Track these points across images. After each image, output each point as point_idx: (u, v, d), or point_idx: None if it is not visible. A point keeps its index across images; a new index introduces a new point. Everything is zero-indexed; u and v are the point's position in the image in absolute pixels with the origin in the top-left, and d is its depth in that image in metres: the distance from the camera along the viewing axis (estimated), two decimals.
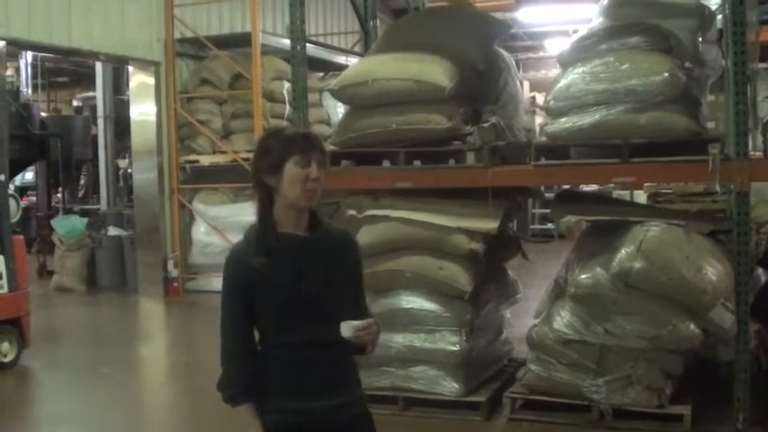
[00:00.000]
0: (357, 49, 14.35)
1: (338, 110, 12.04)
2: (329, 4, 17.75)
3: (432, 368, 6.13)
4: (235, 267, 2.96)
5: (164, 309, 12.16)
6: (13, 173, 12.64)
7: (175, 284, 12.50)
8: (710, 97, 7.37)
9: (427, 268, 6.13)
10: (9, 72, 14.88)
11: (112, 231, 13.57)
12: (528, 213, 17.42)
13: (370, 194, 6.62)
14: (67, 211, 16.33)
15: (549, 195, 8.66)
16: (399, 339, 6.12)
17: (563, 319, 5.72)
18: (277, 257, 2.90)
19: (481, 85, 6.54)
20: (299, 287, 2.90)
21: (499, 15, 8.67)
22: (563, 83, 5.97)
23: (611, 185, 9.45)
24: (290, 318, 2.93)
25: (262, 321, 2.97)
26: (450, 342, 6.07)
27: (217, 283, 3.14)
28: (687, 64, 5.76)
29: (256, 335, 3.01)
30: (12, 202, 8.64)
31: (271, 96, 12.73)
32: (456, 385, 6.08)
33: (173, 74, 12.74)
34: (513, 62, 7.31)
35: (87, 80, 18.49)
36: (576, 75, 5.91)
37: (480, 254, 6.06)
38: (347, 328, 2.85)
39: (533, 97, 18.24)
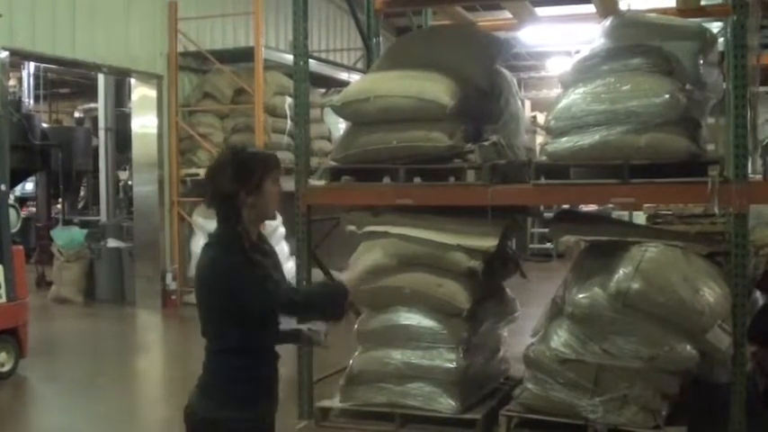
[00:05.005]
0: (360, 65, 14.36)
1: (340, 126, 12.04)
2: (332, 21, 17.83)
3: (428, 385, 6.11)
4: (241, 267, 3.19)
5: (161, 321, 12.16)
6: (13, 183, 12.64)
7: (173, 297, 12.51)
8: (711, 120, 7.40)
9: (426, 285, 6.14)
10: (11, 82, 14.95)
11: (112, 243, 13.58)
12: (527, 232, 17.44)
13: (370, 211, 6.63)
14: (67, 222, 16.35)
15: (549, 215, 8.67)
16: (397, 356, 6.11)
17: (560, 339, 5.72)
18: (257, 264, 3.20)
19: (483, 104, 6.56)
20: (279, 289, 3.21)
21: (501, 35, 8.68)
22: (564, 103, 5.99)
23: (611, 206, 9.45)
24: (272, 316, 3.26)
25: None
26: (447, 359, 6.07)
27: None
28: (688, 86, 5.78)
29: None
30: (12, 212, 8.65)
31: (273, 111, 12.77)
32: (452, 402, 6.07)
33: (175, 87, 12.79)
34: (515, 81, 7.33)
35: (89, 92, 18.54)
36: (577, 95, 5.93)
37: (479, 272, 6.06)
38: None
39: (534, 117, 18.28)
